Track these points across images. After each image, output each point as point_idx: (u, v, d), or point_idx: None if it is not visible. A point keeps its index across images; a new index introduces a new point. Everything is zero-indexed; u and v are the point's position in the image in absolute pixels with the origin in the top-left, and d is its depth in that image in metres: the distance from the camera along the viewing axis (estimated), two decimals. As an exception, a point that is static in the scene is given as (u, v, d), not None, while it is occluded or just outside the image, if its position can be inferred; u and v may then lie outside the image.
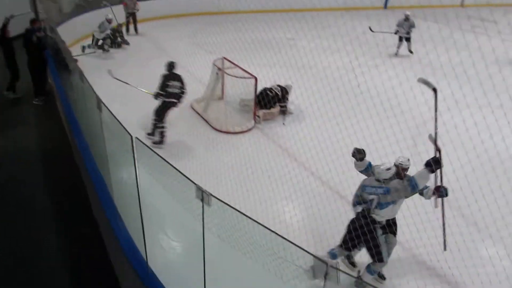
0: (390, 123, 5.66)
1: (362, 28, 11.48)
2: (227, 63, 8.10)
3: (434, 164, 3.82)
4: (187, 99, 8.22)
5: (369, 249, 4.03)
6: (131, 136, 3.38)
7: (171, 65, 6.86)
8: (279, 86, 7.99)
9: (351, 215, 4.30)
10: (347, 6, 16.18)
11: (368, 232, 3.93)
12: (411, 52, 12.15)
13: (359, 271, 4.35)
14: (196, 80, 8.92)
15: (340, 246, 4.22)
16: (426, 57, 9.04)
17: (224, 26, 9.59)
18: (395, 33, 11.98)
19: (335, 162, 5.65)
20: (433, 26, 10.11)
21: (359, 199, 4.13)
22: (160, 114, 6.79)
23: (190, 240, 3.76)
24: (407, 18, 11.87)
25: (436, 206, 4.23)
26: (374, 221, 3.99)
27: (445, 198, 4.11)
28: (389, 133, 5.52)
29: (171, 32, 14.36)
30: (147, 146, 3.38)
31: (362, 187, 4.09)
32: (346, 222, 4.34)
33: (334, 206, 5.35)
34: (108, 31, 11.68)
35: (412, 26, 11.96)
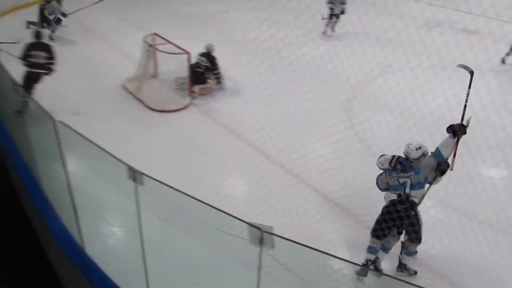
0: (329, 93, 5.76)
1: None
2: (158, 39, 7.78)
3: (458, 131, 3.87)
4: (120, 78, 7.89)
5: (408, 233, 3.95)
6: (54, 120, 3.16)
7: (37, 34, 6.57)
8: (202, 55, 7.78)
9: (294, 186, 4.34)
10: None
11: (407, 217, 3.84)
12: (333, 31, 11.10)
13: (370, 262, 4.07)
14: (127, 58, 8.52)
15: (374, 237, 4.01)
16: (358, 24, 9.20)
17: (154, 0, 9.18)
18: (331, 11, 10.69)
19: (278, 136, 5.71)
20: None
21: (386, 186, 3.99)
22: (26, 84, 6.34)
23: (129, 223, 3.65)
24: None
25: (451, 169, 4.12)
26: (414, 204, 3.87)
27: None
28: (327, 99, 5.56)
29: (97, 7, 13.50)
30: (74, 131, 3.19)
31: (389, 173, 3.92)
32: (289, 193, 4.39)
33: (280, 180, 5.38)
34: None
35: (344, 2, 10.81)
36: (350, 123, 6.66)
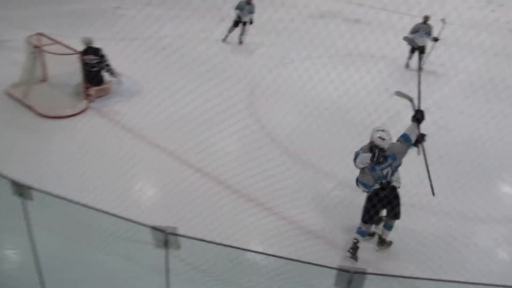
0: (232, 88, 5.77)
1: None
2: (45, 40, 7.13)
3: (419, 116, 4.23)
4: (2, 84, 7.08)
5: (390, 211, 4.37)
6: None
7: None
8: (87, 52, 7.22)
9: (204, 185, 4.27)
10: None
11: (393, 199, 4.26)
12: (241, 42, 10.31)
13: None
14: (9, 62, 7.69)
15: (365, 222, 4.34)
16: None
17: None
18: (238, 18, 9.98)
19: (185, 136, 5.58)
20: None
21: (364, 180, 4.26)
22: None
23: (23, 243, 3.31)
24: (248, 2, 9.96)
25: (418, 154, 4.44)
26: (394, 188, 4.27)
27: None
28: (230, 94, 5.59)
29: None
30: None
31: (372, 168, 4.15)
32: (200, 192, 4.32)
33: (190, 180, 5.23)
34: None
35: (253, 11, 10.07)
36: (255, 116, 6.81)
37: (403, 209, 4.35)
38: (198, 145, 5.43)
